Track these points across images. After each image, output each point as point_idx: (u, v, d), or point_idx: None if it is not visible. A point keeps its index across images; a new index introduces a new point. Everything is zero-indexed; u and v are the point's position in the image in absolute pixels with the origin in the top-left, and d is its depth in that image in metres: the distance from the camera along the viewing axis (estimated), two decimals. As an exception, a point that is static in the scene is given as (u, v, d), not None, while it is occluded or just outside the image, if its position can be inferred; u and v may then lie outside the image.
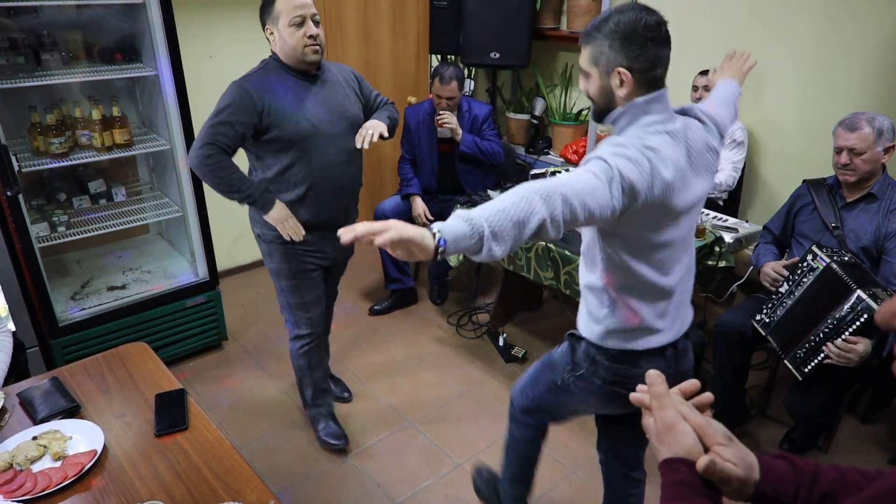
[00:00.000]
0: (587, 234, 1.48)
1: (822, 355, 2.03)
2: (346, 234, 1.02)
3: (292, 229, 2.11)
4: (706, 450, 0.79)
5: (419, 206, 3.31)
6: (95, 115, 2.51)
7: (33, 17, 2.52)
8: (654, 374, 0.84)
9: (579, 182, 1.18)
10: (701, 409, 0.84)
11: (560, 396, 1.68)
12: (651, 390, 0.83)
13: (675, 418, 0.80)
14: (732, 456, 0.78)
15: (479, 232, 1.07)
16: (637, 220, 1.31)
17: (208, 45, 3.25)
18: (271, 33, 2.00)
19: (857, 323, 1.96)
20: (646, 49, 1.29)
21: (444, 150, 3.32)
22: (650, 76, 1.32)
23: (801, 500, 0.79)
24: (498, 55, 3.64)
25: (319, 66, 2.07)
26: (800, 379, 2.11)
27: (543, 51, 4.02)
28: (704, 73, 3.11)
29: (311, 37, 1.95)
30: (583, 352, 1.57)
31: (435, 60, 4.21)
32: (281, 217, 2.09)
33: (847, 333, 1.97)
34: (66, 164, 2.50)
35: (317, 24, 1.98)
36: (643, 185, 1.24)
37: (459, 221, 1.08)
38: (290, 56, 2.00)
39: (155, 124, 2.81)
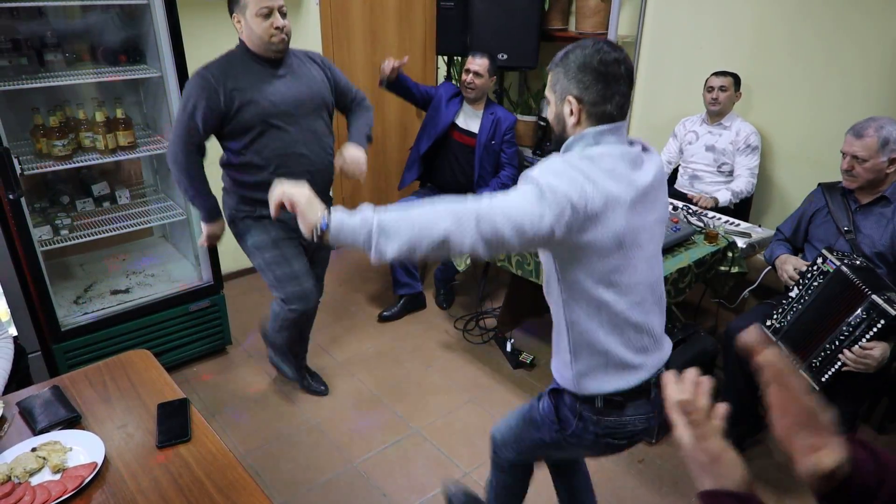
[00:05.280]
0: (546, 266, 1.41)
1: (838, 363, 1.99)
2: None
3: (208, 241, 2.33)
4: None
5: None
6: (99, 117, 2.48)
7: (36, 18, 2.49)
8: (686, 402, 0.78)
9: (503, 200, 1.21)
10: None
11: (552, 450, 1.63)
12: (691, 419, 0.77)
13: (721, 448, 0.75)
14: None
15: (367, 235, 1.18)
16: (586, 236, 1.25)
17: (214, 46, 3.17)
18: (238, 21, 2.08)
19: (874, 329, 1.91)
20: (597, 82, 1.30)
21: (465, 142, 3.29)
22: (599, 110, 1.32)
23: (884, 496, 0.71)
24: (505, 56, 3.59)
25: (286, 53, 2.14)
26: (817, 389, 2.06)
27: (552, 52, 3.90)
28: (720, 74, 3.06)
29: (277, 28, 2.04)
30: (568, 409, 1.50)
31: (442, 62, 4.17)
32: (212, 233, 2.30)
33: (864, 340, 1.93)
34: (68, 166, 2.47)
35: (283, 15, 2.06)
36: (577, 196, 1.21)
37: (356, 219, 1.19)
38: (256, 44, 2.08)
39: (159, 126, 2.78)
